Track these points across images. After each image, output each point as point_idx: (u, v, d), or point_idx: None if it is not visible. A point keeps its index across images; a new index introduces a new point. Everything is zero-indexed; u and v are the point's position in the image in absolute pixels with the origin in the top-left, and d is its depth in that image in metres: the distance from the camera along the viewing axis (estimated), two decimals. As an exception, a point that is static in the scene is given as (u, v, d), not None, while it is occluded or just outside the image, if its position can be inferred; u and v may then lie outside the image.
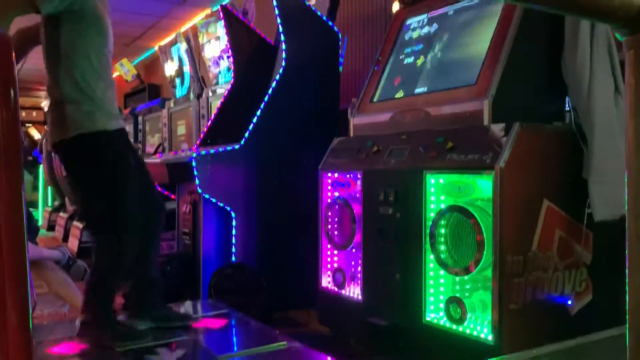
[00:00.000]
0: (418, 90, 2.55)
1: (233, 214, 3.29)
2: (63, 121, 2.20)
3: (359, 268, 2.57)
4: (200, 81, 5.17)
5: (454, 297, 2.09)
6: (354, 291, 2.62)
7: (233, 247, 3.30)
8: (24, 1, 2.08)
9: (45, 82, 2.31)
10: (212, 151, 3.27)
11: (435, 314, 2.17)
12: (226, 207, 3.28)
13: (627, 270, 0.83)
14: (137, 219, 2.29)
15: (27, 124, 11.43)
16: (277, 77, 3.40)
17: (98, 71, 2.24)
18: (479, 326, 2.01)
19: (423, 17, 2.79)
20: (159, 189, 4.55)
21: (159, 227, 2.50)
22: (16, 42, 2.29)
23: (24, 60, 2.46)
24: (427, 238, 2.18)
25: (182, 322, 2.46)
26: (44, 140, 7.98)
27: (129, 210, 2.26)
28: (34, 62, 2.30)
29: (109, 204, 2.26)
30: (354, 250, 2.62)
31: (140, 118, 6.58)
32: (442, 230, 2.12)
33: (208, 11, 5.41)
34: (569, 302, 2.14)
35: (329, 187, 2.79)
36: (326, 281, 2.80)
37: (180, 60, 5.49)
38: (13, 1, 2.09)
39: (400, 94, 2.65)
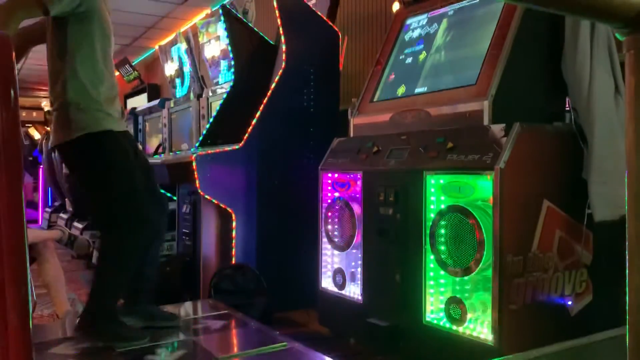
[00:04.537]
0: (418, 90, 2.55)
1: (233, 215, 3.29)
2: (68, 122, 2.19)
3: (359, 269, 2.57)
4: (201, 81, 5.17)
5: (454, 297, 2.09)
6: (354, 292, 2.62)
7: (233, 247, 3.29)
8: (32, 2, 2.07)
9: (46, 82, 2.30)
10: (212, 151, 3.27)
11: (435, 315, 2.17)
12: (226, 207, 3.28)
13: (627, 271, 0.83)
14: (148, 215, 2.31)
15: (27, 124, 11.42)
16: (277, 77, 3.40)
17: (103, 72, 2.25)
18: (479, 327, 2.01)
19: (423, 17, 2.79)
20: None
21: (163, 226, 2.52)
22: (16, 42, 2.28)
23: (24, 60, 2.46)
24: (427, 238, 2.18)
25: (168, 322, 2.45)
26: (44, 141, 7.98)
27: (141, 207, 2.28)
28: (34, 62, 2.30)
29: (120, 202, 2.27)
30: (354, 250, 2.62)
31: (140, 118, 6.58)
32: (442, 231, 2.12)
33: (208, 11, 5.41)
34: (569, 303, 2.13)
35: (329, 188, 2.79)
36: (326, 282, 2.80)
37: (180, 60, 5.48)
38: (22, 3, 2.08)
39: (400, 94, 2.65)
